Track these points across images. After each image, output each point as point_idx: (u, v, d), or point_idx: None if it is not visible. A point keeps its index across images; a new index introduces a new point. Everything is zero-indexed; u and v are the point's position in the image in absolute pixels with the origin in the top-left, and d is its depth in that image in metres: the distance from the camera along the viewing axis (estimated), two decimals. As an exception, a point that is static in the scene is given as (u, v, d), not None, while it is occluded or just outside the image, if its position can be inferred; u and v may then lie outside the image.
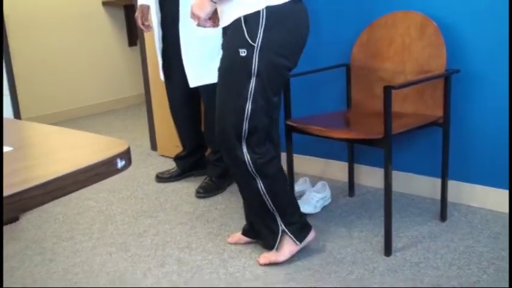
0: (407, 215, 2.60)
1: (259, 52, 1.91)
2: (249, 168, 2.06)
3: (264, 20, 1.88)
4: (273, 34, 1.90)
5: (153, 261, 2.30)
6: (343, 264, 2.19)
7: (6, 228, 2.72)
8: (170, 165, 3.51)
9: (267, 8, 1.88)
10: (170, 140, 3.60)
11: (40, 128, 1.12)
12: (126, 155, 0.93)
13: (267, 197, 2.10)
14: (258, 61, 1.91)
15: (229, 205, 2.85)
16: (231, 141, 2.04)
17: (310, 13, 2.97)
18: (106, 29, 5.38)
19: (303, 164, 3.24)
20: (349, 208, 2.73)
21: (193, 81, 2.84)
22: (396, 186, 2.86)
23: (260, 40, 1.89)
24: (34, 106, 4.94)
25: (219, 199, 2.94)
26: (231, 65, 1.98)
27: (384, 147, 2.13)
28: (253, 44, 1.90)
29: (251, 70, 1.93)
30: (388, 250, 2.24)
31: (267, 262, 2.20)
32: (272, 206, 2.12)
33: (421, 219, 2.55)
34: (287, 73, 2.04)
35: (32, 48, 4.87)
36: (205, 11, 1.95)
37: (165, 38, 2.95)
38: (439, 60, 2.40)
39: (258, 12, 1.88)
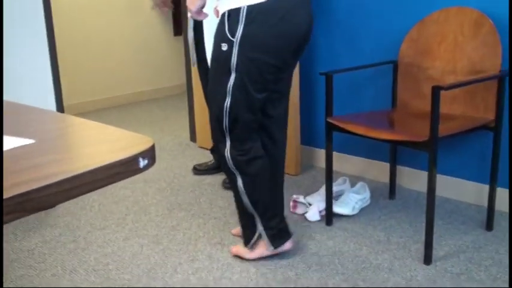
0: (450, 222, 2.48)
1: (238, 47, 1.88)
2: (228, 163, 2.05)
3: (244, 15, 1.86)
4: (253, 30, 1.87)
5: (184, 256, 2.26)
6: (379, 270, 2.10)
7: (42, 214, 2.73)
8: (208, 157, 3.47)
9: (249, 4, 1.86)
10: (210, 132, 3.55)
11: (65, 119, 1.08)
12: (149, 153, 0.87)
13: (245, 195, 2.08)
14: (237, 56, 1.89)
15: (265, 202, 2.78)
16: (216, 133, 2.06)
17: (357, 6, 2.87)
18: (152, 18, 5.38)
19: (343, 162, 3.14)
20: (389, 211, 2.62)
21: None
22: (440, 191, 2.73)
23: (239, 35, 1.87)
24: (77, 92, 4.98)
25: (255, 195, 2.87)
26: (215, 59, 1.98)
27: (428, 151, 2.02)
28: (232, 39, 1.88)
29: (230, 65, 1.91)
30: (428, 259, 2.13)
31: (236, 254, 2.22)
32: (250, 205, 2.09)
33: (465, 227, 2.43)
34: (272, 70, 1.94)
35: (77, 35, 4.91)
36: (195, 5, 1.95)
37: (195, 26, 2.89)
38: (494, 60, 2.26)
39: (239, 8, 1.86)
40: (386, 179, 2.91)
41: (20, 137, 0.97)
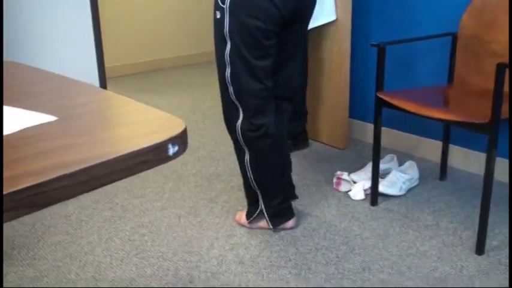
0: (505, 209, 2.31)
1: (229, 14, 1.85)
2: (238, 137, 2.03)
3: None
4: None
5: (221, 230, 2.19)
6: (426, 258, 1.98)
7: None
8: (250, 126, 3.36)
9: None
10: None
11: (91, 92, 0.99)
12: (180, 139, 0.78)
13: (250, 171, 2.07)
14: (229, 23, 1.86)
15: (307, 176, 2.67)
16: (227, 105, 2.02)
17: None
18: (198, -21, 5.24)
19: (392, 138, 2.98)
20: (439, 193, 2.47)
21: None
22: (495, 174, 2.55)
23: (228, 2, 1.84)
24: (120, 54, 4.94)
25: (295, 168, 2.77)
26: (214, 28, 1.95)
27: (489, 134, 1.85)
28: (222, 6, 1.85)
29: (224, 32, 1.88)
30: (480, 248, 1.99)
31: (238, 222, 2.23)
32: (253, 182, 2.08)
33: (522, 215, 2.26)
34: (268, 35, 1.87)
35: (124, -5, 4.83)
36: None
37: None
38: None
39: None
40: (437, 158, 2.75)
41: (42, 112, 0.89)
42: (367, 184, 2.45)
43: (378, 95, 2.20)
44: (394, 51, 2.86)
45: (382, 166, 2.58)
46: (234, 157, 2.93)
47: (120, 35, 4.87)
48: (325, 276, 1.88)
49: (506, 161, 2.52)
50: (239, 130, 2.01)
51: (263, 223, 2.16)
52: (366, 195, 2.44)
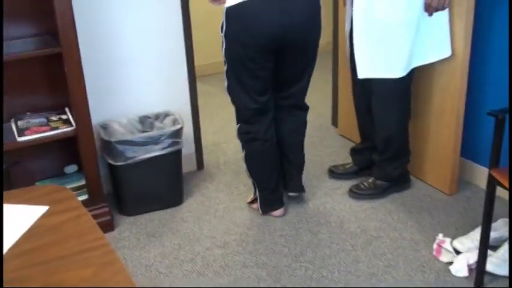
0: None
1: (225, 41, 2.24)
2: (237, 137, 2.45)
3: (225, 15, 2.19)
4: (231, 28, 2.19)
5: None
6: None
7: None
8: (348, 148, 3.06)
9: (227, 6, 2.17)
10: (353, 120, 3.11)
11: None
12: None
13: (245, 165, 2.49)
14: (225, 48, 2.25)
15: (403, 233, 2.39)
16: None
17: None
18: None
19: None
20: (561, 276, 2.09)
21: (362, 72, 2.45)
22: None
23: (224, 32, 2.22)
24: (211, 52, 4.70)
25: (392, 219, 2.48)
26: None
27: None
28: (221, 33, 2.23)
29: (223, 54, 2.27)
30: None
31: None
32: (248, 173, 2.52)
33: None
34: (256, 61, 2.22)
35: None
36: None
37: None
38: None
39: (225, 7, 2.18)
40: None
41: None
42: (472, 258, 2.13)
43: (492, 172, 1.86)
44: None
45: (493, 234, 2.22)
46: (326, 197, 2.62)
47: (211, 31, 4.63)
48: None
49: None
50: (237, 131, 2.43)
51: (255, 208, 2.59)
52: (469, 270, 2.13)
